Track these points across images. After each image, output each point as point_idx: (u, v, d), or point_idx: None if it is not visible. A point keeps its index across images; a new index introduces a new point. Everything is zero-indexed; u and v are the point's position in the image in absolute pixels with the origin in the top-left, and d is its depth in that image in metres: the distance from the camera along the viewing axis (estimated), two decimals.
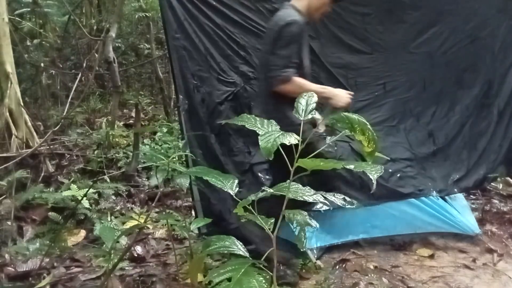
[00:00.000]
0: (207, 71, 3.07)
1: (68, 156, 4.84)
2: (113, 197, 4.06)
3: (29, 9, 6.62)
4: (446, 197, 3.25)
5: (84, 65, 6.85)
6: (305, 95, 1.57)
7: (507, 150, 3.77)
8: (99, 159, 4.65)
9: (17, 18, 6.48)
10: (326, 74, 3.45)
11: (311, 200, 1.44)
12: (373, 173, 1.28)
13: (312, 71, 3.42)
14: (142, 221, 2.41)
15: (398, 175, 3.23)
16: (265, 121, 1.52)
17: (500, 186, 4.09)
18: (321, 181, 2.53)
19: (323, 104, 2.54)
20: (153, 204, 3.98)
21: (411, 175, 3.27)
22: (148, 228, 3.50)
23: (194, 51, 3.01)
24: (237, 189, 1.54)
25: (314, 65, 3.41)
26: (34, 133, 4.74)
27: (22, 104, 4.69)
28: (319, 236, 3.00)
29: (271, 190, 1.48)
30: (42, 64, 6.60)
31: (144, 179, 4.65)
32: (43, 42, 6.93)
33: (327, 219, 3.04)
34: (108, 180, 4.32)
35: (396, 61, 3.57)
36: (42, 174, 4.20)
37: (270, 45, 2.57)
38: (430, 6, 3.56)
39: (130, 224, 3.36)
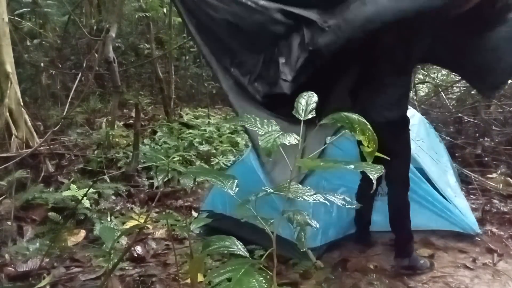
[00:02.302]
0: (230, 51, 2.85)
1: (68, 156, 4.83)
2: (113, 197, 4.06)
3: (29, 9, 6.63)
4: (447, 196, 3.25)
5: (84, 65, 6.85)
6: (305, 95, 1.57)
7: None
8: (99, 159, 4.65)
9: (17, 18, 6.48)
10: None
11: (311, 200, 1.43)
12: (373, 173, 1.28)
13: None
14: (142, 221, 2.41)
15: None
16: (265, 121, 1.52)
17: (500, 186, 4.09)
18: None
19: None
20: (153, 204, 3.98)
21: None
22: (148, 228, 3.50)
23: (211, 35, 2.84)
24: (237, 189, 1.54)
25: None
26: (34, 133, 4.74)
27: (22, 104, 4.70)
28: (319, 234, 3.01)
29: (271, 190, 1.48)
30: (42, 64, 6.61)
31: (144, 179, 4.65)
32: (43, 42, 6.93)
33: (327, 215, 3.05)
34: (108, 180, 4.32)
35: None
36: (42, 174, 4.20)
37: None
38: None
39: (130, 224, 3.36)
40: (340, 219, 3.10)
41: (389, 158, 1.49)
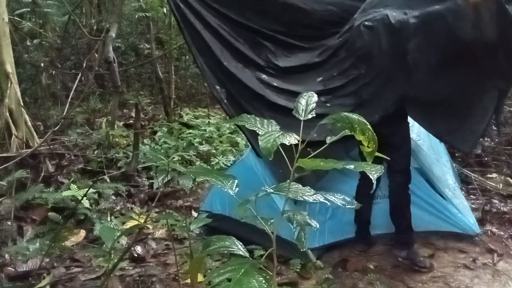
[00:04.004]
0: (227, 59, 2.86)
1: (68, 156, 4.83)
2: (113, 197, 4.06)
3: (29, 9, 6.62)
4: (447, 196, 3.25)
5: (84, 65, 6.84)
6: (305, 95, 1.56)
7: None
8: (99, 159, 4.65)
9: (17, 18, 6.47)
10: None
11: (311, 200, 1.43)
12: (373, 173, 1.28)
13: None
14: (142, 221, 2.41)
15: None
16: (265, 121, 1.52)
17: (500, 186, 4.09)
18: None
19: None
20: (153, 204, 3.98)
21: None
22: (148, 228, 3.50)
23: (210, 42, 2.83)
24: (237, 189, 1.54)
25: None
26: (34, 133, 4.74)
27: (22, 104, 4.69)
28: (320, 235, 3.02)
29: (271, 190, 1.48)
30: (42, 64, 6.60)
31: (144, 179, 4.65)
32: (43, 42, 6.92)
33: (328, 218, 3.05)
34: (108, 180, 4.32)
35: None
36: (42, 174, 4.20)
37: None
38: None
39: (130, 224, 3.35)
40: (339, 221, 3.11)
41: (388, 158, 1.49)
